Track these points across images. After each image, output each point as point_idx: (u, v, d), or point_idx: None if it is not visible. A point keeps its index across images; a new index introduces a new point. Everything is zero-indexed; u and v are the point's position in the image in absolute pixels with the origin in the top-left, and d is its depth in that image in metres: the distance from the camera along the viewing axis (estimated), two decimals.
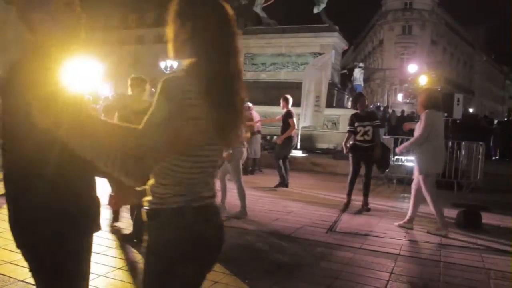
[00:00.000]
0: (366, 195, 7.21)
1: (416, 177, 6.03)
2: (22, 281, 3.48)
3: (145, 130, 1.45)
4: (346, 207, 7.17)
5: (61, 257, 1.71)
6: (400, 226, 6.07)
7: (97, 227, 1.90)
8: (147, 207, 1.62)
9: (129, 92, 5.52)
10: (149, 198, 1.62)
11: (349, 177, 7.29)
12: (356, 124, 7.20)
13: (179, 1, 1.62)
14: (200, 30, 1.57)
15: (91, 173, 1.83)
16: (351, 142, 7.36)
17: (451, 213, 7.04)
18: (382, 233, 5.79)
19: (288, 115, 9.05)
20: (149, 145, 1.43)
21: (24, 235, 1.72)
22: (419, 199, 6.05)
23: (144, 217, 1.64)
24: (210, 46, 1.57)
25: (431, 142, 5.80)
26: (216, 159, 1.66)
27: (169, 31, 1.64)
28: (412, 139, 6.01)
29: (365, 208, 7.12)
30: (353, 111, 7.71)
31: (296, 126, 9.05)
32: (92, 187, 1.88)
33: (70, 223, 1.71)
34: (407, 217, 6.10)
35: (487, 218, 6.65)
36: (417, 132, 5.93)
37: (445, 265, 4.53)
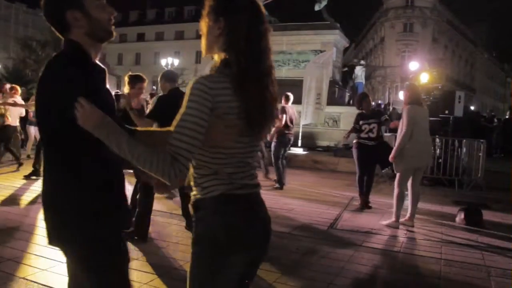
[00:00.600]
0: (367, 193, 7.19)
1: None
2: (24, 278, 3.49)
3: (176, 132, 1.51)
4: (362, 206, 7.08)
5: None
6: (401, 223, 6.08)
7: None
8: (192, 200, 1.68)
9: (125, 90, 5.52)
10: (193, 190, 1.67)
11: (357, 176, 7.23)
12: (360, 122, 7.15)
13: None
14: (233, 26, 1.60)
15: None
16: (354, 141, 7.32)
17: (452, 210, 7.05)
18: (383, 230, 5.79)
19: (280, 111, 8.89)
20: (181, 146, 1.49)
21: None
22: (416, 195, 6.06)
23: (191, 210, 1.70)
24: (242, 42, 1.59)
25: (413, 137, 5.81)
26: (253, 149, 1.71)
27: (203, 26, 1.68)
28: (399, 141, 5.94)
29: (367, 206, 7.09)
30: (353, 108, 7.70)
31: (283, 123, 8.78)
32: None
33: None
34: (408, 215, 6.09)
35: (488, 216, 6.65)
36: (400, 130, 5.97)
37: (446, 263, 4.53)
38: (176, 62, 36.98)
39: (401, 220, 6.06)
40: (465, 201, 8.05)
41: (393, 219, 5.98)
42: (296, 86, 14.80)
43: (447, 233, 5.77)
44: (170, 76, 5.35)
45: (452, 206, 7.60)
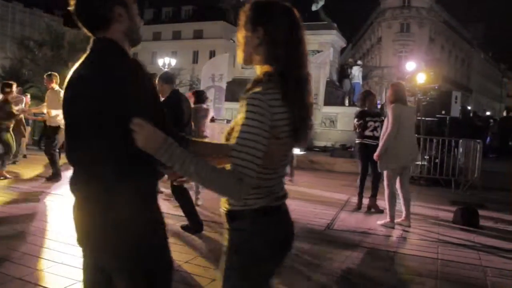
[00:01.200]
0: (374, 196, 7.00)
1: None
2: (20, 279, 3.48)
3: (240, 151, 1.49)
4: (358, 208, 7.04)
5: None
6: (397, 223, 6.09)
7: None
8: (227, 209, 1.67)
9: None
10: (228, 200, 1.66)
11: (359, 177, 7.13)
12: (367, 118, 7.03)
13: (250, 8, 1.65)
14: (272, 35, 1.59)
15: None
16: (357, 141, 7.23)
17: (448, 210, 7.06)
18: (380, 230, 5.80)
19: None
20: (246, 166, 1.48)
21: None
22: (406, 194, 6.07)
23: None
24: (283, 50, 1.59)
25: (398, 136, 5.81)
26: (287, 159, 1.72)
27: (239, 37, 1.68)
28: (384, 139, 5.94)
29: (377, 210, 6.87)
30: (350, 108, 7.67)
31: None
32: None
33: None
34: (403, 215, 6.10)
35: (484, 216, 6.67)
36: (385, 128, 5.98)
37: (442, 263, 4.54)
38: (173, 62, 36.92)
39: (398, 220, 6.06)
40: (461, 201, 8.07)
41: (388, 219, 5.99)
42: None
43: (444, 233, 5.78)
44: (168, 77, 5.32)
45: (448, 206, 7.61)
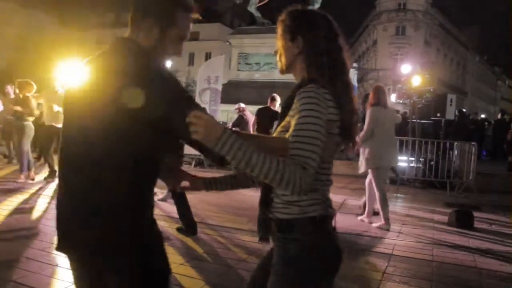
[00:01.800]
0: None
1: (370, 173, 6.24)
2: (14, 281, 3.45)
3: (301, 141, 1.47)
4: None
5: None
6: (362, 220, 6.31)
7: None
8: (279, 217, 1.61)
9: None
10: (280, 208, 1.60)
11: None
12: None
13: (287, 17, 1.69)
14: (312, 43, 1.62)
15: None
16: None
17: (443, 213, 7.08)
18: (375, 232, 5.81)
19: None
20: (309, 156, 1.45)
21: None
22: (373, 194, 6.20)
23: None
24: (324, 58, 1.61)
25: (377, 137, 5.99)
26: (332, 164, 1.69)
27: (279, 45, 1.71)
28: (360, 139, 6.10)
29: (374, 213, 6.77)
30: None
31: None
32: None
33: None
34: (366, 213, 6.33)
35: (479, 218, 6.69)
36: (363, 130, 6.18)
37: (438, 265, 4.55)
38: (169, 64, 36.85)
39: (361, 217, 6.34)
40: (456, 203, 8.10)
41: (383, 221, 6.03)
42: (289, 88, 14.68)
43: (439, 235, 5.80)
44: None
45: (443, 208, 7.64)
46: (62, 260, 3.90)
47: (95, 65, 1.62)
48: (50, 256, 4.06)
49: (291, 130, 1.51)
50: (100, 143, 1.53)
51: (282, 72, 1.74)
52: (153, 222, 1.79)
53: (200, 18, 1.76)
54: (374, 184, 6.10)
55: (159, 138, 1.62)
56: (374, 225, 6.13)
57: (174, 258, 4.29)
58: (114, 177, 1.56)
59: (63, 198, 1.64)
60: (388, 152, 6.09)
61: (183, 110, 1.44)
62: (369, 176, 6.27)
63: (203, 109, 1.55)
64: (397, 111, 11.35)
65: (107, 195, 1.56)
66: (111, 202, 1.56)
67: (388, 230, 5.91)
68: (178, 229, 5.21)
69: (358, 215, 6.70)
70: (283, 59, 1.70)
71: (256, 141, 1.60)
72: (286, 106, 1.64)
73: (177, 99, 1.55)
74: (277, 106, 9.12)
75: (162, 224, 5.65)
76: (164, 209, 6.37)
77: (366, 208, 6.36)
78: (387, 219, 6.00)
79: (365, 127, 6.06)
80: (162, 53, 1.72)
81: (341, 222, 6.33)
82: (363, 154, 6.20)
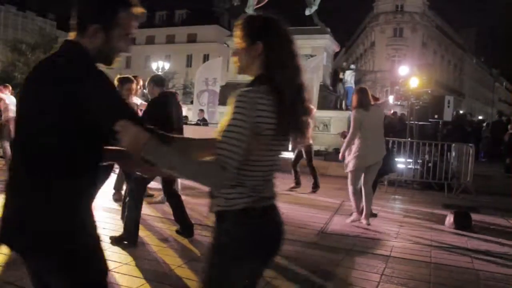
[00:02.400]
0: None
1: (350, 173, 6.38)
2: (12, 284, 3.44)
3: (224, 142, 1.60)
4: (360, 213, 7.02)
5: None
6: (360, 221, 6.31)
7: None
8: (212, 210, 1.76)
9: None
10: (214, 201, 1.75)
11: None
12: None
13: (248, 22, 1.83)
14: (270, 49, 1.76)
15: None
16: None
17: (441, 214, 7.09)
18: (373, 234, 5.81)
19: None
20: (229, 156, 1.58)
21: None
22: (368, 195, 6.27)
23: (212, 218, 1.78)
24: (279, 62, 1.75)
25: (363, 139, 6.12)
26: (276, 164, 1.81)
27: (237, 47, 1.83)
28: (345, 142, 6.35)
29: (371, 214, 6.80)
30: (344, 112, 7.70)
31: None
32: None
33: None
34: (364, 213, 6.32)
35: (477, 220, 6.70)
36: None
37: (436, 266, 4.55)
38: (167, 66, 36.88)
39: (362, 218, 6.33)
40: (454, 205, 8.11)
41: (354, 215, 6.31)
42: None
43: (437, 237, 5.80)
44: (159, 80, 5.35)
45: (441, 210, 7.65)
46: None
47: (43, 67, 1.70)
48: None
49: (220, 130, 1.65)
50: (35, 144, 1.60)
51: (239, 73, 1.86)
52: (91, 224, 1.77)
53: (144, 11, 1.82)
54: (348, 180, 6.33)
55: (95, 141, 1.67)
56: (347, 220, 6.39)
57: (172, 260, 4.29)
58: (45, 178, 1.60)
59: (6, 191, 1.68)
60: (369, 152, 6.19)
61: (113, 117, 1.53)
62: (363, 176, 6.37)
63: (136, 117, 1.71)
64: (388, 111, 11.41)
65: (36, 195, 1.59)
66: (42, 202, 1.59)
67: (359, 220, 6.25)
68: (177, 231, 5.21)
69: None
70: (242, 61, 1.82)
71: (186, 144, 1.88)
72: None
73: (110, 105, 1.64)
74: None
75: (160, 226, 5.64)
76: (161, 211, 6.36)
77: (364, 210, 6.36)
78: (359, 213, 6.32)
79: (350, 131, 6.25)
80: (109, 53, 1.78)
81: (339, 224, 6.34)
82: (349, 154, 6.33)
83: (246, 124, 1.60)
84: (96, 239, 1.77)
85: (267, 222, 1.77)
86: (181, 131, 5.33)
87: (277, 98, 1.67)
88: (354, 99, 6.39)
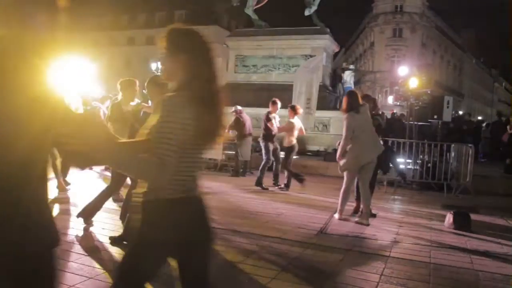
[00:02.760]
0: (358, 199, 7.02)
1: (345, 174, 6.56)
2: None
3: (159, 141, 1.82)
4: (355, 212, 7.01)
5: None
6: (357, 222, 6.38)
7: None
8: (142, 199, 1.94)
9: (119, 96, 5.58)
10: (143, 191, 1.94)
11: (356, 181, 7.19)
12: None
13: (174, 34, 2.04)
14: (192, 60, 1.98)
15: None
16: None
17: (441, 215, 7.09)
18: (372, 234, 5.81)
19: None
20: (166, 153, 1.80)
21: None
22: (365, 194, 6.43)
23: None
24: (199, 70, 1.98)
25: (357, 141, 6.28)
26: (200, 159, 2.05)
27: (165, 57, 2.02)
28: (341, 145, 6.46)
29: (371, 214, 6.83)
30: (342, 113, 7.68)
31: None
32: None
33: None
34: (363, 212, 6.45)
35: (476, 220, 6.70)
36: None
37: (435, 267, 4.55)
38: None
39: (356, 219, 6.48)
40: (454, 205, 8.10)
41: (338, 214, 6.56)
42: (286, 90, 14.83)
43: (436, 237, 5.80)
44: (160, 81, 5.33)
45: (441, 210, 7.65)
46: (60, 262, 3.89)
47: None
48: None
49: (152, 131, 1.87)
50: None
51: (167, 79, 2.08)
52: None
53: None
54: (344, 178, 6.49)
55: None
56: (335, 216, 6.57)
57: (172, 260, 4.28)
58: None
59: None
60: (362, 152, 6.33)
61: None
62: (359, 179, 6.55)
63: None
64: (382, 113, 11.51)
65: None
66: None
67: (340, 219, 6.47)
68: None
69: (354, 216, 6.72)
70: (167, 69, 2.04)
71: (128, 146, 2.04)
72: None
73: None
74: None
75: None
76: None
77: (363, 209, 6.41)
78: (341, 211, 6.57)
79: (343, 135, 6.39)
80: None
81: (339, 224, 6.34)
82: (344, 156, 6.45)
83: (178, 125, 1.82)
84: None
85: (190, 211, 1.97)
86: None
87: (196, 103, 1.88)
88: (344, 102, 6.51)
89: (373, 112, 7.16)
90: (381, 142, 6.97)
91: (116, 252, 4.45)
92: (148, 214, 1.94)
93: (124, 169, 1.88)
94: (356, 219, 6.50)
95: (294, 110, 9.23)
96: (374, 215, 6.78)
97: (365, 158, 6.35)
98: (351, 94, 6.64)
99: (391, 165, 9.71)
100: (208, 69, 2.02)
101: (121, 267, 2.07)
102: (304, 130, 9.66)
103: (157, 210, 1.91)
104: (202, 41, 2.05)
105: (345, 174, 6.51)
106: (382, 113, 20.50)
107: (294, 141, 9.17)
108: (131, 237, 4.68)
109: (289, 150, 9.20)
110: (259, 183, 9.34)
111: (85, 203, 5.37)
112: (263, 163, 9.53)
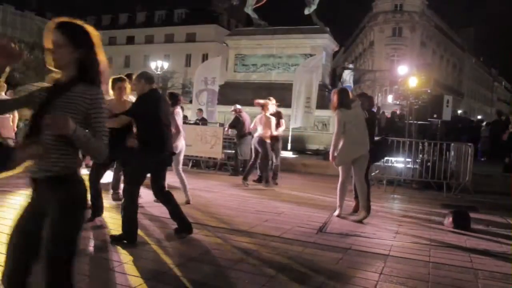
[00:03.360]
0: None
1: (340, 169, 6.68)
2: None
3: (104, 128, 2.26)
4: (355, 211, 6.99)
5: None
6: (355, 220, 6.43)
7: None
8: (51, 175, 2.17)
9: (110, 94, 5.60)
10: (52, 168, 2.16)
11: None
12: None
13: (70, 29, 2.21)
14: (86, 54, 2.23)
15: None
16: None
17: (440, 214, 7.09)
18: (372, 233, 5.81)
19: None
20: (105, 136, 2.25)
21: None
22: (362, 191, 6.47)
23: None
24: (91, 62, 2.25)
25: (348, 136, 6.39)
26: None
27: (54, 46, 2.18)
28: (332, 142, 6.58)
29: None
30: None
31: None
32: None
33: None
34: (360, 209, 6.52)
35: (476, 219, 6.71)
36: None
37: (434, 266, 4.55)
38: (166, 65, 36.88)
39: (354, 217, 6.51)
40: (453, 204, 8.11)
41: (338, 210, 6.64)
42: (285, 89, 14.85)
43: (436, 236, 5.81)
44: (150, 78, 5.33)
45: (440, 209, 7.66)
46: None
47: None
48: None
49: (92, 119, 2.20)
50: None
51: (56, 68, 2.24)
52: None
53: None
54: (340, 174, 6.59)
55: None
56: (334, 214, 6.66)
57: (172, 259, 4.29)
58: None
59: None
60: (353, 147, 6.43)
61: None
62: (354, 176, 6.61)
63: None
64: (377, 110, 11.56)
65: None
66: None
67: (339, 216, 6.57)
68: (175, 230, 5.21)
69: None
70: (61, 60, 2.20)
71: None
72: None
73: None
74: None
75: (159, 225, 5.64)
76: (160, 211, 6.35)
77: (360, 206, 6.47)
78: (341, 207, 6.68)
79: (335, 131, 6.50)
80: None
81: (338, 222, 6.34)
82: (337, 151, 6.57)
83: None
84: None
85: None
86: (169, 125, 5.35)
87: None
88: (334, 99, 6.54)
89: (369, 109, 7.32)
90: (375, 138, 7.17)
91: (116, 251, 4.45)
92: (66, 186, 2.23)
93: (86, 148, 2.18)
94: (355, 217, 6.51)
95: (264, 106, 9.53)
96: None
97: (358, 151, 6.46)
98: (341, 91, 6.74)
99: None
100: (97, 62, 2.30)
101: None
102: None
103: (73, 181, 2.26)
104: (96, 36, 2.30)
105: (340, 169, 6.61)
106: (383, 112, 20.59)
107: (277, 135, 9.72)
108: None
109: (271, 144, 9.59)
110: (245, 177, 9.49)
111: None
112: (263, 162, 9.52)
